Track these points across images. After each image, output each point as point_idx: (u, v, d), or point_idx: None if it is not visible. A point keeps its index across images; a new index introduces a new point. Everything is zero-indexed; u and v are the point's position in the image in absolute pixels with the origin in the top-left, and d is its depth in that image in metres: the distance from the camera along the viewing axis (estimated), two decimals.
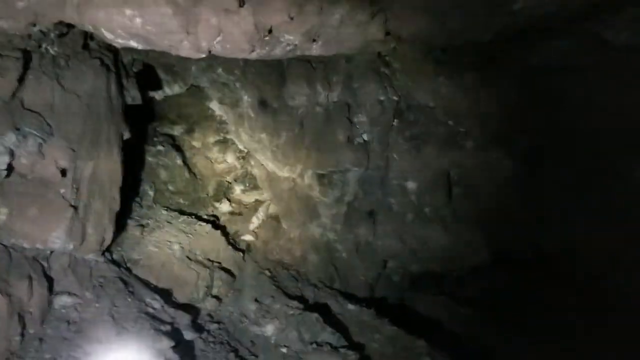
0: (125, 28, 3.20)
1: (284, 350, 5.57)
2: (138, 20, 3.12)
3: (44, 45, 4.20)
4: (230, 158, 7.96)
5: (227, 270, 6.38)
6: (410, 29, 3.70)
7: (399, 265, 7.42)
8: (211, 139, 7.83)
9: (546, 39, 4.79)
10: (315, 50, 4.04)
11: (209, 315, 5.77)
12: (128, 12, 3.08)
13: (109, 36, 3.29)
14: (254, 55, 3.94)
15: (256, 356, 5.40)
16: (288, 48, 3.92)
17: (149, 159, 7.30)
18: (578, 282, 6.61)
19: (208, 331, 5.45)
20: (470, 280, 7.49)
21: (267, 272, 6.81)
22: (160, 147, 7.44)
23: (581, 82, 5.79)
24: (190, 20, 3.17)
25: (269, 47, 3.83)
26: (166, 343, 4.63)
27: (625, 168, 6.30)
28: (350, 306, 6.57)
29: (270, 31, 3.52)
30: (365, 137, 6.76)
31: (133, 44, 3.37)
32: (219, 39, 3.35)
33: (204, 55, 3.51)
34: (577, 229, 6.45)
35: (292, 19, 3.40)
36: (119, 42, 3.36)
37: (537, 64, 5.57)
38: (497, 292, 7.26)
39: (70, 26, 3.87)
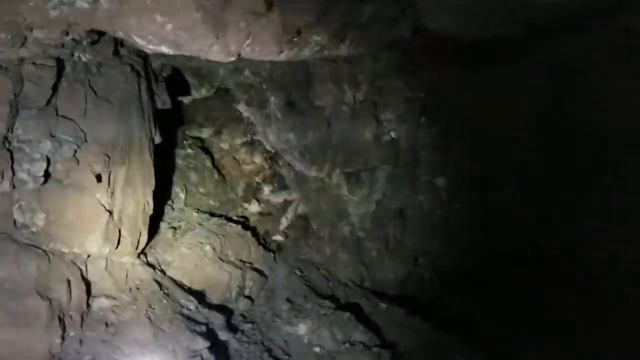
0: (156, 34, 3.25)
1: (317, 349, 5.60)
2: (169, 26, 3.17)
3: (76, 53, 4.29)
4: (258, 159, 8.00)
5: (258, 271, 6.43)
6: (439, 25, 3.68)
7: (429, 263, 7.38)
8: (239, 141, 7.87)
9: (571, 34, 4.71)
10: (343, 50, 4.05)
11: (242, 315, 5.83)
12: (159, 18, 3.13)
13: (140, 42, 3.35)
14: (282, 57, 3.96)
15: (289, 356, 5.44)
16: (316, 49, 3.93)
17: (179, 161, 7.39)
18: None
19: (242, 331, 5.51)
20: (502, 276, 7.43)
21: (297, 272, 6.84)
22: (189, 150, 7.53)
23: (604, 77, 5.69)
24: (219, 25, 3.21)
25: (297, 49, 3.85)
26: (202, 344, 4.70)
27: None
28: (382, 305, 6.58)
29: (298, 32, 3.54)
30: (392, 134, 6.74)
31: (164, 49, 3.43)
32: (248, 42, 3.38)
33: (233, 59, 3.55)
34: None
35: (319, 19, 3.42)
36: (150, 47, 3.42)
37: (561, 59, 5.49)
38: (529, 288, 7.21)
39: (101, 33, 3.95)
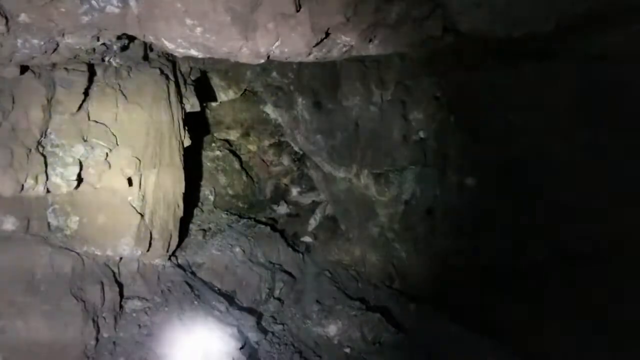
0: (185, 37, 3.25)
1: (348, 350, 5.58)
2: (198, 29, 3.17)
3: (107, 58, 4.34)
4: (286, 160, 8.03)
5: (287, 272, 6.44)
6: (469, 23, 3.63)
7: (460, 263, 7.30)
8: (267, 142, 7.92)
9: (608, 28, 4.60)
10: (372, 49, 4.01)
11: (272, 316, 5.84)
12: (188, 21, 3.14)
13: (170, 46, 3.36)
14: (311, 58, 3.94)
15: (320, 357, 5.42)
16: (344, 49, 3.91)
17: (208, 164, 7.46)
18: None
19: (272, 332, 5.52)
20: (533, 275, 7.35)
21: (327, 273, 6.83)
22: (218, 152, 7.59)
23: None
24: (248, 27, 3.20)
25: (325, 49, 3.82)
26: (233, 345, 4.72)
27: None
28: (412, 305, 6.53)
29: (327, 33, 3.52)
30: (421, 134, 6.68)
31: (193, 52, 3.43)
32: (277, 43, 3.36)
33: (262, 61, 3.54)
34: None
35: (348, 19, 3.39)
36: (180, 51, 3.43)
37: (598, 54, 5.37)
38: (559, 287, 7.13)
39: (131, 38, 3.98)
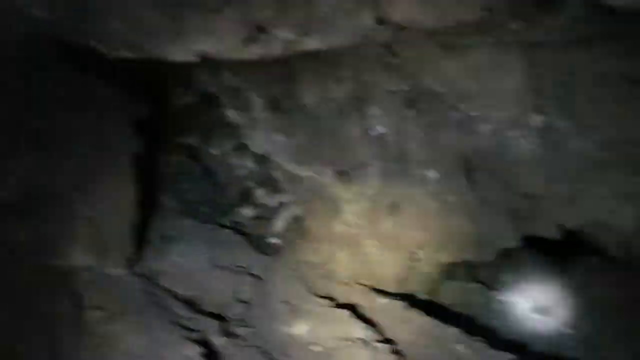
0: (115, 38, 3.23)
1: (316, 348, 5.56)
2: (126, 28, 3.15)
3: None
4: (250, 162, 7.97)
5: (254, 275, 6.40)
6: (400, 13, 3.64)
7: (428, 256, 7.33)
8: (228, 145, 7.84)
9: (545, 13, 4.63)
10: (312, 44, 4.00)
11: (238, 319, 5.78)
12: (116, 21, 3.11)
13: (101, 48, 3.33)
14: (253, 56, 3.93)
15: (288, 357, 5.39)
16: (284, 45, 3.90)
17: (169, 169, 7.38)
18: (610, 258, 6.45)
19: (238, 336, 5.46)
20: (503, 266, 7.42)
21: (294, 273, 6.80)
22: (178, 157, 7.53)
23: (588, 55, 5.57)
24: (177, 24, 3.19)
25: (264, 45, 3.81)
26: (196, 350, 4.69)
27: None
28: (381, 300, 6.53)
29: (260, 29, 3.51)
30: (380, 129, 6.68)
31: (126, 53, 3.41)
32: (209, 40, 3.36)
33: (196, 59, 3.52)
34: (601, 204, 6.24)
35: (278, 13, 3.39)
36: (112, 53, 3.40)
37: (542, 40, 5.40)
38: (532, 275, 7.21)
39: (68, 43, 3.93)
